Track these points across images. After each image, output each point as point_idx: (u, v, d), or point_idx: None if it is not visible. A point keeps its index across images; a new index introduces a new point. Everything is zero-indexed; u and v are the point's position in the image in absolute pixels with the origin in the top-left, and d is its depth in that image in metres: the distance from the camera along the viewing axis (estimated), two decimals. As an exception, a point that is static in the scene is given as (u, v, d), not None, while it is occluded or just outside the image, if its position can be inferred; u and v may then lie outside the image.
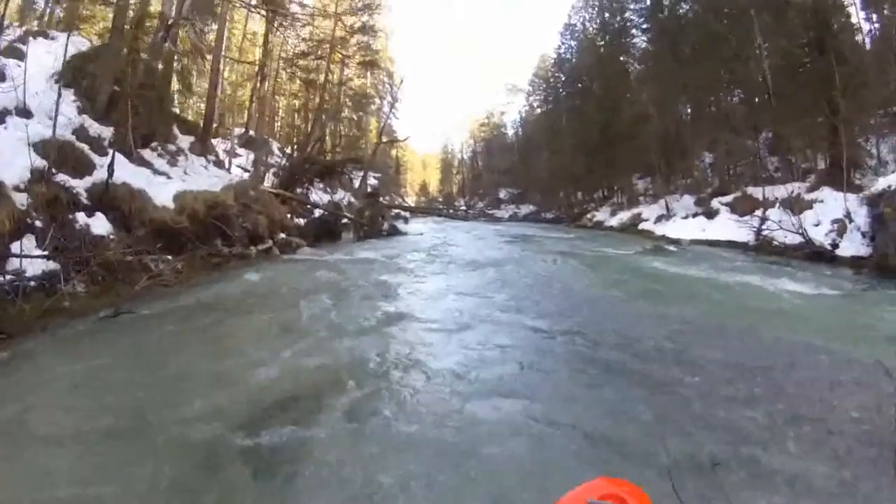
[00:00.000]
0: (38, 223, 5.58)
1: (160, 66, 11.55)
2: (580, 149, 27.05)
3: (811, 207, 11.21)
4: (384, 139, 29.56)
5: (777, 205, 12.48)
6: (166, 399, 3.06)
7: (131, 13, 10.73)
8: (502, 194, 46.33)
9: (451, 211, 40.82)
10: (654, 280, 8.07)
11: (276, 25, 18.48)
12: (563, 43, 34.47)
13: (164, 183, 8.54)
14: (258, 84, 19.36)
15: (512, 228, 23.80)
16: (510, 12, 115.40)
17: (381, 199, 22.47)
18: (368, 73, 29.74)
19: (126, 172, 7.69)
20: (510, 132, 51.43)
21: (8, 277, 4.76)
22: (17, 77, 7.43)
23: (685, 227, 15.76)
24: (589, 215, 26.04)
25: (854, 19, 15.64)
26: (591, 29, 30.33)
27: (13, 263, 4.96)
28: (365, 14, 23.75)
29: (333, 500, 2.19)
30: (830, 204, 10.83)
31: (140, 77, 9.33)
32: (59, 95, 7.04)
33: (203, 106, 17.54)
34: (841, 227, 10.01)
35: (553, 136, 33.59)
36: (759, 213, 12.95)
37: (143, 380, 3.40)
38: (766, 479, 2.18)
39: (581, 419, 2.87)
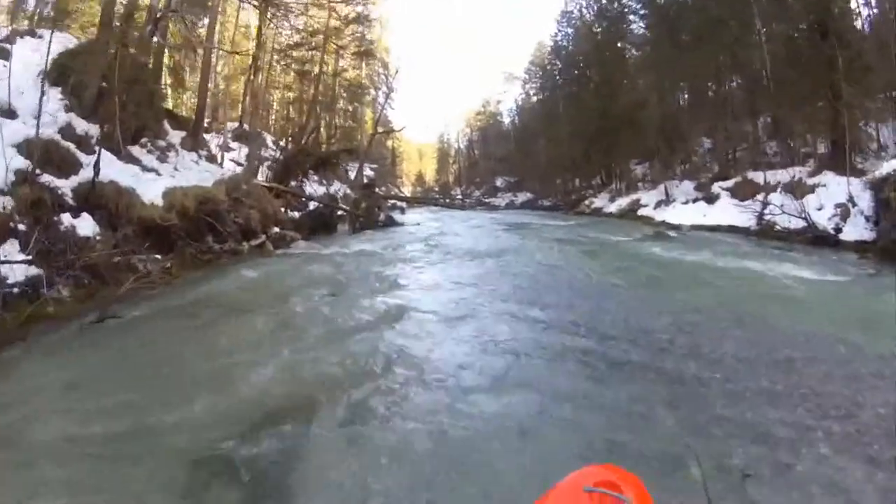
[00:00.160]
0: (21, 227, 5.33)
1: (150, 61, 11.23)
2: (577, 136, 26.83)
3: (813, 192, 11.08)
4: (380, 129, 29.27)
5: (779, 189, 12.35)
6: (155, 405, 2.92)
7: (120, 8, 10.40)
8: (499, 182, 46.15)
9: (447, 200, 40.59)
10: (657, 267, 7.95)
11: (269, 16, 18.07)
12: (559, 30, 34.07)
13: (154, 179, 8.27)
14: (251, 77, 19.00)
15: (509, 216, 23.54)
16: (509, 7, 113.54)
17: (377, 189, 22.22)
18: (363, 64, 29.35)
19: (114, 170, 7.42)
20: (506, 120, 51.14)
21: (-11, 286, 4.53)
22: (2, 77, 7.15)
23: (685, 212, 15.62)
24: (587, 202, 25.88)
25: (853, 4, 15.49)
26: (588, 16, 29.86)
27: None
28: (360, 4, 23.27)
29: (333, 500, 2.14)
30: (833, 188, 10.71)
31: (128, 72, 9.00)
32: (43, 93, 6.77)
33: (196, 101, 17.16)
34: (844, 211, 9.89)
35: (550, 123, 33.27)
36: (760, 197, 12.82)
37: (130, 386, 3.25)
38: (802, 489, 2.03)
39: (592, 419, 2.73)
